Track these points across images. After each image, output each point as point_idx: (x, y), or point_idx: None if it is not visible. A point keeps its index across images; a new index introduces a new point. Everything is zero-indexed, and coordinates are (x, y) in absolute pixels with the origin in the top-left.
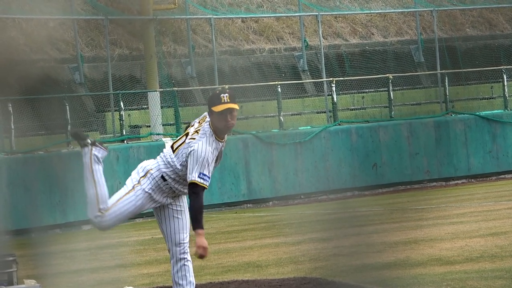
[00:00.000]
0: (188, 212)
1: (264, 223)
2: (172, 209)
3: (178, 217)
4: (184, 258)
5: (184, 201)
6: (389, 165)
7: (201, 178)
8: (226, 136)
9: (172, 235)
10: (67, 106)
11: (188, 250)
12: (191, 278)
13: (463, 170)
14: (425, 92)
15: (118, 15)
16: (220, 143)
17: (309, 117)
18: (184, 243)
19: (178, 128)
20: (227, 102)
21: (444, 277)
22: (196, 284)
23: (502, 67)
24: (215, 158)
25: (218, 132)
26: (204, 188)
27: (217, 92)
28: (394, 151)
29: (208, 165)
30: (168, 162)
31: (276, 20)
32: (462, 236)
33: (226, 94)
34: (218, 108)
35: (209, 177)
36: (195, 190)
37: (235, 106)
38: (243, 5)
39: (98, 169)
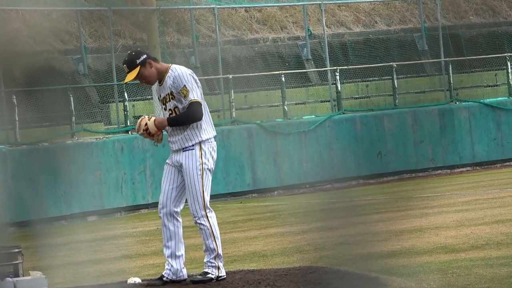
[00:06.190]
0: None
1: (269, 212)
2: None
3: None
4: None
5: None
6: (394, 153)
7: None
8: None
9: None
10: (71, 97)
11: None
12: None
13: (468, 158)
14: (429, 80)
15: (121, 6)
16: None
17: (313, 106)
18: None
19: None
20: None
21: (450, 265)
22: None
23: (506, 54)
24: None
25: None
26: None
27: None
28: (399, 140)
29: None
30: None
31: (279, 9)
32: (468, 224)
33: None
34: None
35: None
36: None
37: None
38: None
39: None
